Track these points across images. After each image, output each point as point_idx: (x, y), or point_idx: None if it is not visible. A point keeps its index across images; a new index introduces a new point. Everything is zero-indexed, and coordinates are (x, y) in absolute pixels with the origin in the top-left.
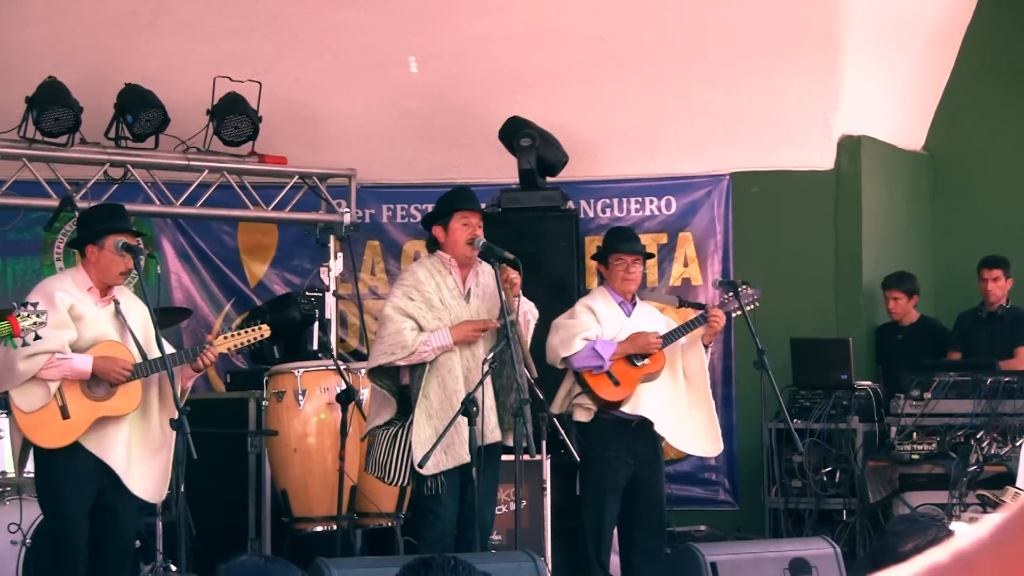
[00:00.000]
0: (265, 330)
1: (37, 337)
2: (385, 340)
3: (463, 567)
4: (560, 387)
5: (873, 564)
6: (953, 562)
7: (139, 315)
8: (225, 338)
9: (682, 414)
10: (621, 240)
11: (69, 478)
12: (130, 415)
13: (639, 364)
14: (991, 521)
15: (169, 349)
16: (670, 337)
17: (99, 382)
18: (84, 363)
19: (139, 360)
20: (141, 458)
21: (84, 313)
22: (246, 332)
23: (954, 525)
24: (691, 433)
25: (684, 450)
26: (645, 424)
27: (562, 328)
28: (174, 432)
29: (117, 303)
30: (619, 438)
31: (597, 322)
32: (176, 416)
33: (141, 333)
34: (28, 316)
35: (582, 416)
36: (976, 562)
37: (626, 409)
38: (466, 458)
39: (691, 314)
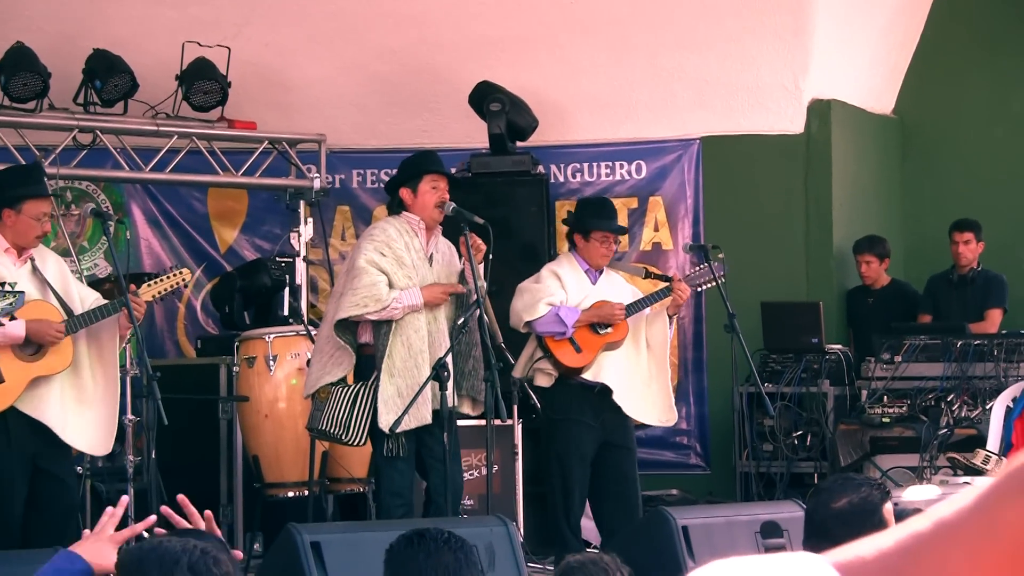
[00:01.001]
0: (186, 274)
1: (13, 318)
2: (359, 292)
3: (456, 540)
4: (523, 351)
5: (808, 522)
6: (935, 530)
7: (55, 268)
8: (149, 285)
9: (642, 384)
10: (605, 217)
11: (2, 444)
12: (61, 372)
13: (602, 332)
14: (973, 489)
15: (91, 295)
16: (634, 307)
17: (28, 343)
18: (17, 328)
19: (63, 314)
20: (76, 412)
21: (2, 273)
22: (168, 277)
23: (918, 489)
24: (648, 403)
25: (639, 419)
26: (607, 390)
27: (526, 292)
28: (115, 384)
29: (32, 260)
30: (583, 403)
31: (562, 288)
32: (112, 370)
33: (59, 286)
34: (4, 296)
35: (543, 381)
36: (958, 530)
37: (588, 376)
38: (428, 419)
39: (657, 285)
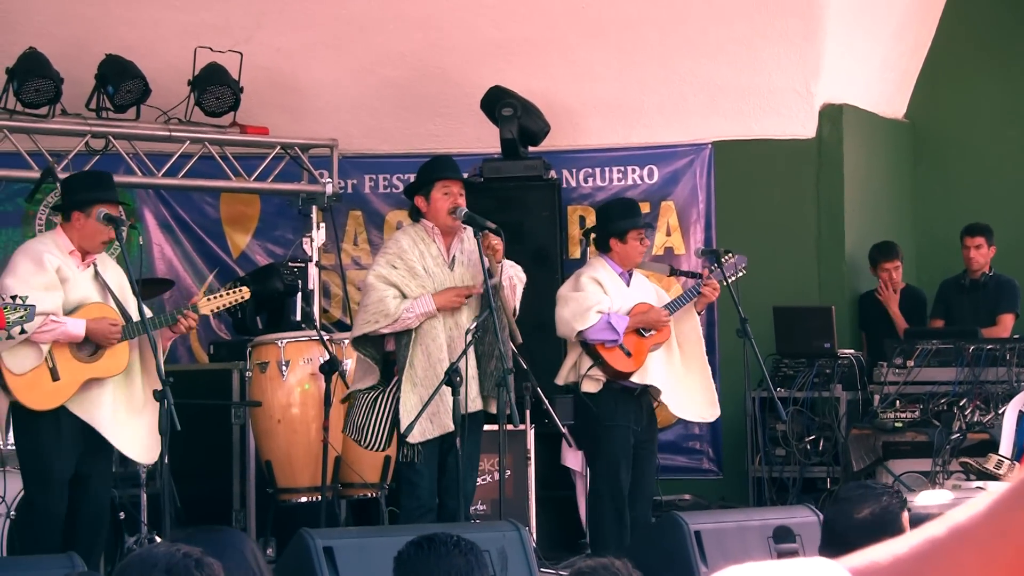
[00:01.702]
0: (245, 292)
1: (23, 331)
2: (368, 309)
3: (465, 543)
4: (565, 359)
5: (828, 530)
6: (950, 536)
7: (116, 278)
8: (208, 300)
9: (679, 381)
10: (635, 215)
11: (54, 445)
12: (113, 378)
13: (647, 335)
14: (987, 495)
15: (148, 314)
16: (672, 308)
17: (86, 344)
18: (78, 327)
19: (123, 319)
20: (127, 420)
21: (68, 275)
22: (228, 294)
23: (931, 494)
24: (688, 400)
25: (683, 416)
26: (644, 392)
27: (572, 301)
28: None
29: (95, 265)
30: (626, 407)
31: (605, 294)
32: (157, 382)
33: (119, 294)
34: (15, 310)
35: (591, 387)
36: (972, 535)
37: (635, 379)
38: (451, 427)
39: (680, 282)
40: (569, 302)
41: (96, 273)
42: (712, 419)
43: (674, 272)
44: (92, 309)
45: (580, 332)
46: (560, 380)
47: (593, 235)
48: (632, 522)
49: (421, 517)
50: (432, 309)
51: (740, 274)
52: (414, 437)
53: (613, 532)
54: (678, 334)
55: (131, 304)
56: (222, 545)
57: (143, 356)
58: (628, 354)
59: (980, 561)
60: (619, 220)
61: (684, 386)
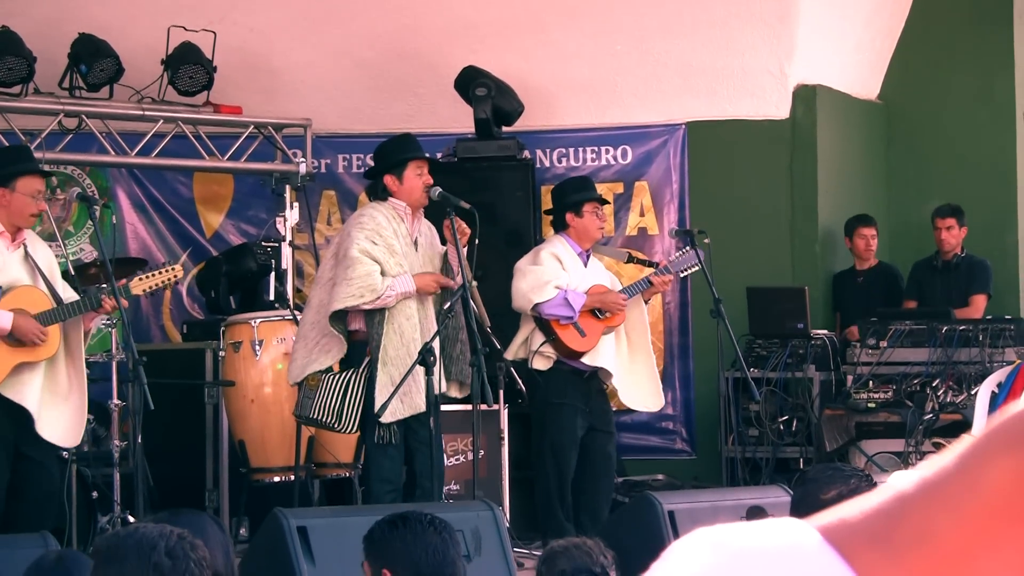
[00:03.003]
0: (178, 270)
1: None
2: (355, 282)
3: (439, 522)
4: (517, 333)
5: (795, 511)
6: (919, 490)
7: (46, 258)
8: (140, 279)
9: (626, 368)
10: (590, 188)
11: None
12: (43, 361)
13: (602, 317)
14: (956, 448)
15: (70, 293)
16: (627, 293)
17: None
18: (3, 320)
19: (53, 301)
20: (51, 403)
21: None
22: (159, 273)
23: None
24: (635, 388)
25: (628, 404)
26: (594, 376)
27: (530, 274)
28: (83, 377)
29: (25, 246)
30: (575, 388)
31: (564, 271)
32: (82, 366)
33: (48, 275)
34: None
35: (540, 364)
36: (942, 490)
37: (586, 360)
38: (422, 407)
39: (639, 269)
40: (527, 275)
41: (26, 254)
42: (656, 409)
43: (631, 259)
44: (21, 293)
45: (536, 305)
46: (509, 355)
47: (550, 216)
48: (591, 517)
49: (394, 499)
50: (412, 290)
51: (692, 269)
52: (385, 417)
53: (556, 515)
54: (626, 322)
55: (58, 287)
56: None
57: (68, 340)
58: (582, 334)
59: (950, 516)
60: (573, 194)
61: (631, 374)
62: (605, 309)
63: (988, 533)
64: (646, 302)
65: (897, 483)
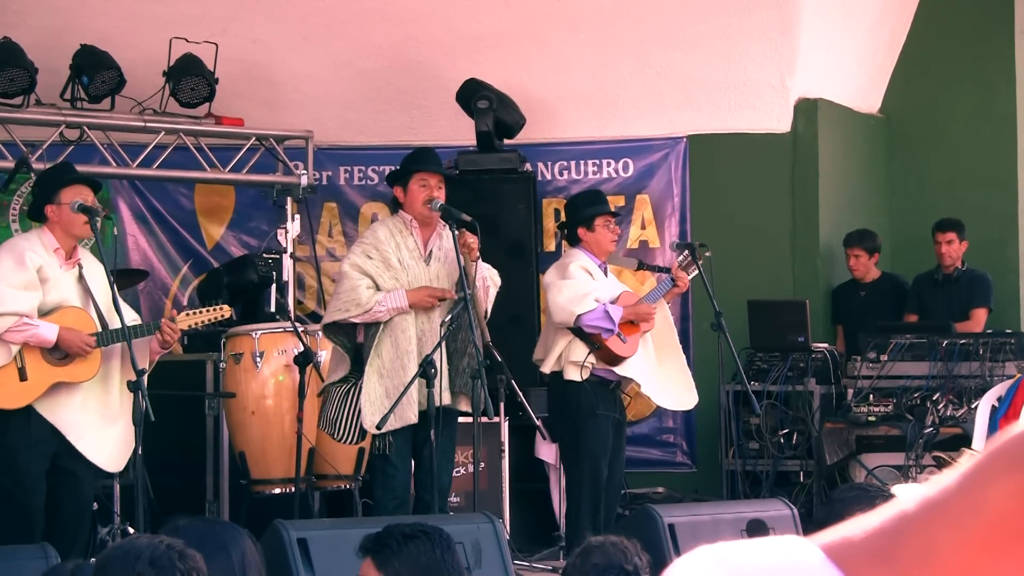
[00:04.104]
0: (227, 310)
1: None
2: (340, 296)
3: (436, 534)
4: (552, 347)
5: (819, 531)
6: (921, 510)
7: (99, 279)
8: (188, 315)
9: (655, 371)
10: (601, 202)
11: (23, 440)
12: (88, 382)
13: (635, 323)
14: (958, 468)
15: (129, 314)
16: (649, 299)
17: (56, 348)
18: (50, 332)
19: (99, 326)
20: (98, 426)
21: (50, 275)
22: (208, 311)
23: (904, 488)
24: (668, 388)
25: (664, 405)
26: (618, 386)
27: (566, 287)
28: (131, 405)
29: (81, 267)
30: (606, 398)
31: (595, 282)
32: (133, 380)
33: (101, 298)
34: None
35: (575, 375)
36: (944, 509)
37: (618, 370)
38: (413, 419)
39: (648, 276)
40: (564, 288)
41: (81, 276)
42: (691, 406)
43: (641, 266)
44: (68, 314)
45: (579, 317)
46: (547, 368)
47: (564, 230)
48: (609, 510)
49: (395, 510)
50: (404, 305)
51: (696, 271)
52: (374, 429)
53: (589, 526)
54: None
55: (111, 308)
56: (214, 539)
57: (124, 364)
58: (624, 341)
59: (952, 533)
60: (585, 208)
61: (661, 375)
62: (637, 319)
63: (989, 552)
64: (667, 304)
65: (899, 502)
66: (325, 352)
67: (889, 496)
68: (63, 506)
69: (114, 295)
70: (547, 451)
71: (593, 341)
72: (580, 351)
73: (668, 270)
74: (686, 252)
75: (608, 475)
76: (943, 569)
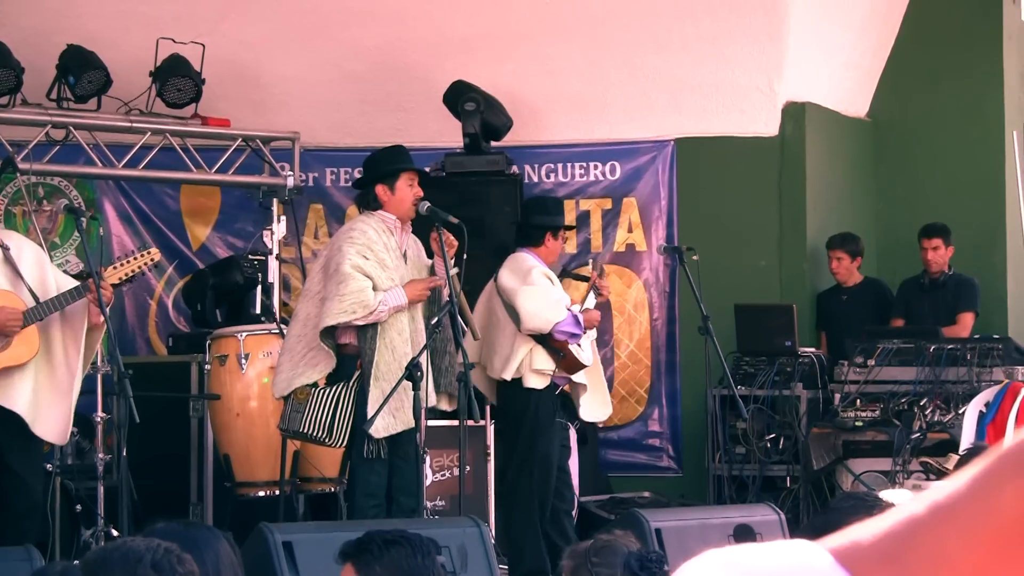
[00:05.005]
0: (154, 253)
1: None
2: (347, 298)
3: (417, 540)
4: (513, 354)
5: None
6: (930, 513)
7: (31, 258)
8: (115, 268)
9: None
10: (563, 212)
11: None
12: (33, 360)
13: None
14: (968, 471)
15: (69, 284)
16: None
17: None
18: None
19: (32, 304)
20: (50, 402)
21: None
22: (133, 259)
23: (891, 493)
24: (590, 401)
25: (584, 416)
26: (563, 391)
27: (536, 294)
28: (78, 374)
29: (5, 248)
30: (559, 404)
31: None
32: (79, 360)
33: (35, 274)
34: None
35: (537, 383)
36: (954, 513)
37: (574, 376)
38: (413, 422)
39: (576, 284)
40: (533, 295)
41: (6, 257)
42: (604, 419)
43: (566, 274)
44: None
45: (555, 324)
46: (508, 374)
47: (527, 227)
48: (559, 532)
49: (377, 514)
50: (404, 303)
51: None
52: (377, 432)
53: (537, 530)
54: None
55: (50, 286)
56: (192, 542)
57: (68, 333)
58: (580, 347)
59: (962, 537)
60: (557, 217)
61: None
62: (588, 326)
63: (1001, 556)
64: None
65: (908, 505)
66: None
67: (887, 506)
68: (9, 506)
69: (49, 272)
70: None
71: (558, 349)
72: (543, 359)
73: (588, 279)
74: (597, 259)
75: (557, 479)
76: (953, 573)
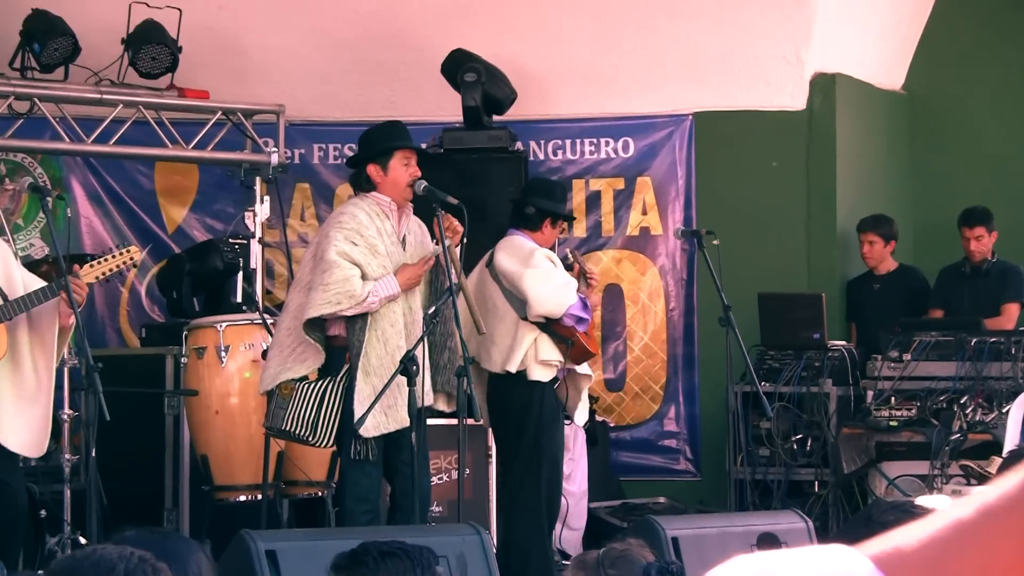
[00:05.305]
0: (134, 252)
1: None
2: (331, 288)
3: (416, 551)
4: (517, 344)
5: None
6: (979, 517)
7: None
8: (92, 266)
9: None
10: (567, 200)
11: None
12: None
13: None
14: (1018, 473)
15: (37, 284)
16: None
17: None
18: None
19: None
20: (15, 410)
21: None
22: (113, 257)
23: (928, 499)
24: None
25: (576, 420)
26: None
27: (546, 275)
28: (51, 378)
29: None
30: (558, 399)
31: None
32: (51, 365)
33: (1, 271)
34: None
35: (542, 375)
36: (1007, 518)
37: (579, 368)
38: (407, 421)
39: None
40: (541, 277)
41: None
42: (582, 424)
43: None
44: None
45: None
46: (512, 366)
47: (531, 208)
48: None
49: (369, 521)
50: (397, 292)
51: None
52: (367, 431)
53: (544, 533)
54: None
55: (16, 284)
56: (165, 553)
57: (35, 336)
58: (586, 334)
59: (1016, 545)
60: (560, 202)
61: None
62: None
63: None
64: None
65: (953, 510)
66: (264, 343)
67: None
68: None
69: (15, 270)
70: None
71: (566, 336)
72: (549, 349)
73: (571, 268)
74: (570, 252)
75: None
76: None
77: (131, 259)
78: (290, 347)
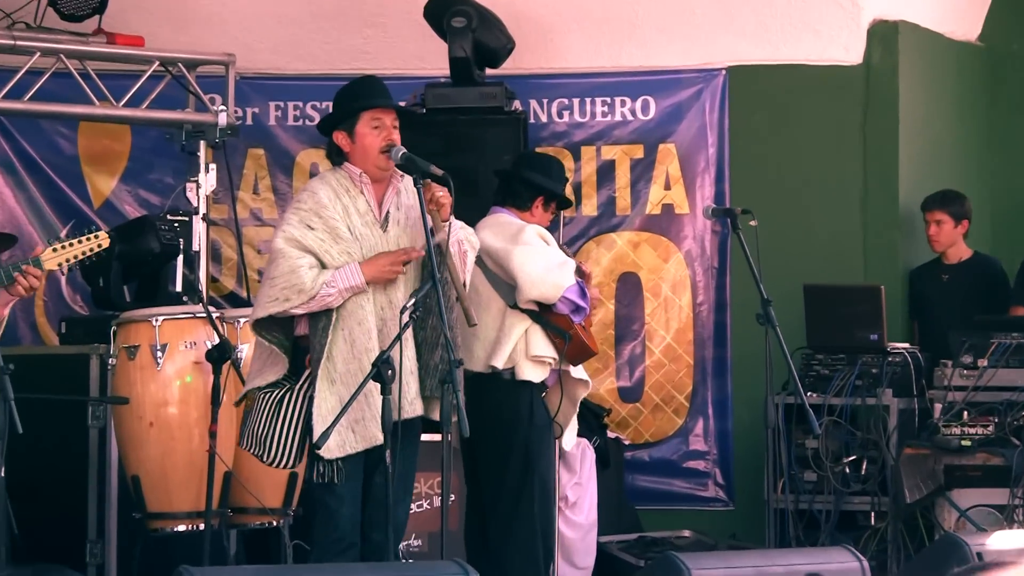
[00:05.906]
0: (103, 238)
1: None
2: (276, 282)
3: None
4: (506, 336)
5: None
6: None
7: None
8: (56, 250)
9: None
10: (565, 181)
11: None
12: None
13: None
14: None
15: None
16: None
17: None
18: None
19: None
20: None
21: None
22: (80, 242)
23: (1007, 536)
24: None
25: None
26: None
27: (540, 255)
28: None
29: None
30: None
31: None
32: None
33: None
34: None
35: (533, 375)
36: None
37: (573, 371)
38: (380, 438)
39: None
40: (532, 255)
41: None
42: (568, 448)
43: None
44: None
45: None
46: (500, 363)
47: (515, 183)
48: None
49: (340, 554)
50: (360, 282)
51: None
52: (330, 451)
53: (539, 563)
54: None
55: None
56: None
57: None
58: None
59: None
60: (557, 181)
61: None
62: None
63: None
64: None
65: None
66: (247, 346)
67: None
68: None
69: None
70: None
71: (563, 329)
72: (542, 343)
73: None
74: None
75: None
76: None
77: (99, 245)
78: (268, 350)
